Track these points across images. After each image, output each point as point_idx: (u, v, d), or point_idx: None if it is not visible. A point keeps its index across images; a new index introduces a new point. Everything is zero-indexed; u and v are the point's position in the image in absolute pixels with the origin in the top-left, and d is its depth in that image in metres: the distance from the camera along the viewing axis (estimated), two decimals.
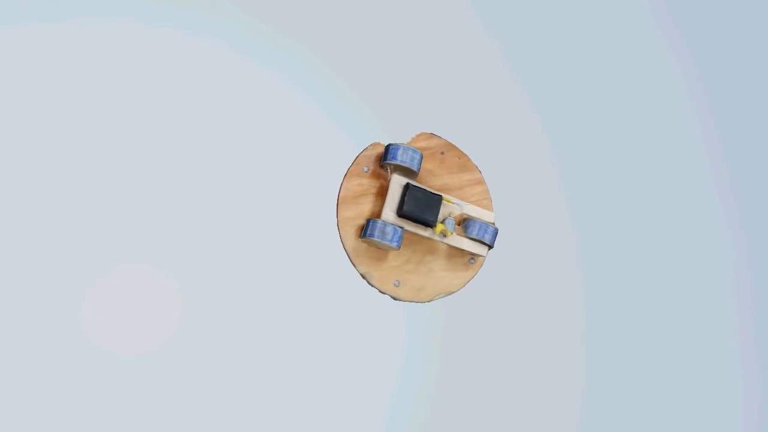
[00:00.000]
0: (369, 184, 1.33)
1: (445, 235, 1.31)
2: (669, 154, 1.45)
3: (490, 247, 1.34)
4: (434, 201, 1.30)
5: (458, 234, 1.34)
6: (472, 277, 1.37)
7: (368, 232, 1.28)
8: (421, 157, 1.31)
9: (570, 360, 1.41)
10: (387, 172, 1.33)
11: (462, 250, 1.35)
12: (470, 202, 1.35)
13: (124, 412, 1.26)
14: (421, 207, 1.30)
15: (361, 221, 1.32)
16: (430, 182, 1.35)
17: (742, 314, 1.44)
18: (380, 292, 1.34)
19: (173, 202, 1.29)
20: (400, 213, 1.29)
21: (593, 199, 1.44)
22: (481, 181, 1.37)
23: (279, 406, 1.33)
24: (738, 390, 1.43)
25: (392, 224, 1.29)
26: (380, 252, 1.33)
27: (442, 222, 1.31)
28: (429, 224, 1.30)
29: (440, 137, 1.36)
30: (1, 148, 1.23)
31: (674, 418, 1.44)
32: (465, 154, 1.37)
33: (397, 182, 1.30)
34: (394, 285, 1.34)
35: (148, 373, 1.27)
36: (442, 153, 1.36)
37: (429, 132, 1.35)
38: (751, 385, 1.43)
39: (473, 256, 1.36)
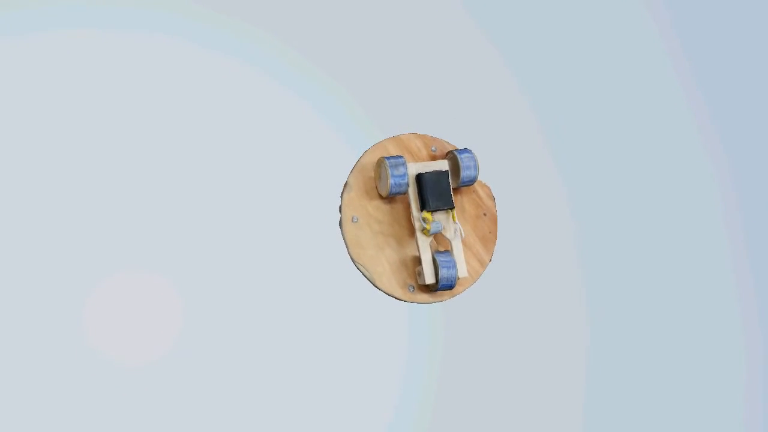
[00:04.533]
0: (424, 157, 1.35)
1: (424, 228, 1.28)
2: (668, 163, 1.36)
3: (436, 285, 1.28)
4: (446, 200, 1.29)
5: (431, 245, 1.30)
6: (397, 298, 1.31)
7: (388, 157, 1.29)
8: (474, 179, 1.32)
9: (573, 360, 1.32)
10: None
11: (413, 272, 1.31)
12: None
13: (128, 408, 1.28)
14: (434, 189, 1.29)
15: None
16: (457, 213, 1.34)
17: (745, 318, 1.33)
18: (339, 208, 1.32)
19: (173, 204, 1.32)
20: (418, 175, 1.30)
21: (594, 198, 1.37)
22: (484, 264, 1.34)
23: (281, 405, 1.30)
24: (740, 394, 1.32)
25: (407, 174, 1.29)
26: (373, 192, 1.32)
27: (434, 221, 1.29)
28: (425, 204, 1.29)
29: (496, 204, 1.36)
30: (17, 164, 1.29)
31: (676, 418, 1.33)
32: (496, 234, 1.35)
33: (441, 164, 1.32)
34: (352, 218, 1.31)
35: (149, 370, 1.30)
36: (484, 214, 1.35)
37: (492, 192, 1.37)
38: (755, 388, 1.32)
39: (415, 284, 1.31)
